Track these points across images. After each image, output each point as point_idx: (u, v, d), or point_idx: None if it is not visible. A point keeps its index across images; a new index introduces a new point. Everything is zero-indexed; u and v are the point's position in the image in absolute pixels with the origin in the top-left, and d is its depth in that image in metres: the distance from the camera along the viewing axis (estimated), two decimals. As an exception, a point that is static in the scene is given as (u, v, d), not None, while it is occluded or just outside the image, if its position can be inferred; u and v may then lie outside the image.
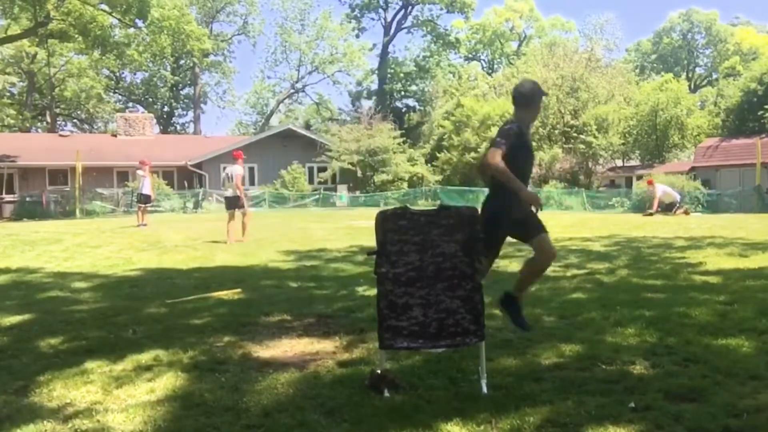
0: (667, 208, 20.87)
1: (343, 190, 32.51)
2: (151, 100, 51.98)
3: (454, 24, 54.48)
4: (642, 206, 24.05)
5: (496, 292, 5.87)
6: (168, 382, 3.50)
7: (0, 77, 39.65)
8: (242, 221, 12.13)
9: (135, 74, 50.51)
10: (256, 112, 57.71)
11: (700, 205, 23.12)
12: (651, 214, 20.25)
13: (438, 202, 27.20)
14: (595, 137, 32.27)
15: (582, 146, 32.74)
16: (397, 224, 3.34)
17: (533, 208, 3.92)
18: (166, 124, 53.32)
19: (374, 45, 54.01)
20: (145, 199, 16.88)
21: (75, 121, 49.73)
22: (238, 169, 12.33)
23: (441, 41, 52.77)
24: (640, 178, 28.67)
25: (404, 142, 35.80)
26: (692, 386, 3.23)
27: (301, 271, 7.91)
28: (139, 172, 17.05)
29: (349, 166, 32.27)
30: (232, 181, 12.15)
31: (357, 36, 53.40)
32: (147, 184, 16.86)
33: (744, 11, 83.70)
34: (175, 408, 3.11)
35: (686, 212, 20.67)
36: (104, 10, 27.45)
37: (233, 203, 12.18)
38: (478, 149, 32.34)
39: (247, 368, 3.75)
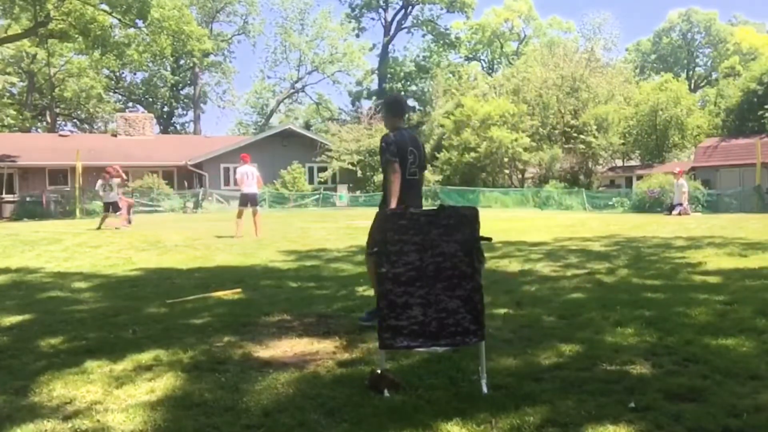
0: (672, 208, 20.89)
1: (343, 190, 32.52)
2: (151, 100, 52.04)
3: (453, 24, 54.53)
4: (642, 206, 24.06)
5: (496, 293, 5.89)
6: (168, 382, 3.50)
7: (0, 77, 39.65)
8: (255, 218, 12.89)
9: (135, 74, 50.66)
10: (256, 112, 57.83)
11: (700, 205, 23.11)
12: (687, 213, 20.21)
13: (438, 202, 27.21)
14: (595, 137, 32.28)
15: (582, 146, 32.75)
16: (397, 224, 3.34)
17: None
18: (166, 124, 53.38)
19: (374, 45, 54.13)
20: (113, 207, 16.27)
21: (75, 121, 49.77)
22: (254, 169, 13.37)
23: (441, 41, 52.77)
24: (639, 178, 28.68)
25: (404, 142, 35.76)
26: (692, 386, 3.23)
27: (301, 271, 7.91)
28: (115, 180, 16.49)
29: (349, 166, 32.28)
30: (251, 179, 13.10)
31: (357, 36, 53.55)
32: (113, 191, 16.37)
33: (743, 11, 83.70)
34: (175, 408, 3.11)
35: (685, 212, 20.66)
36: (104, 10, 27.45)
37: (256, 200, 13.21)
38: (478, 149, 32.37)
39: (247, 368, 3.75)
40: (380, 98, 48.56)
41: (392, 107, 4.95)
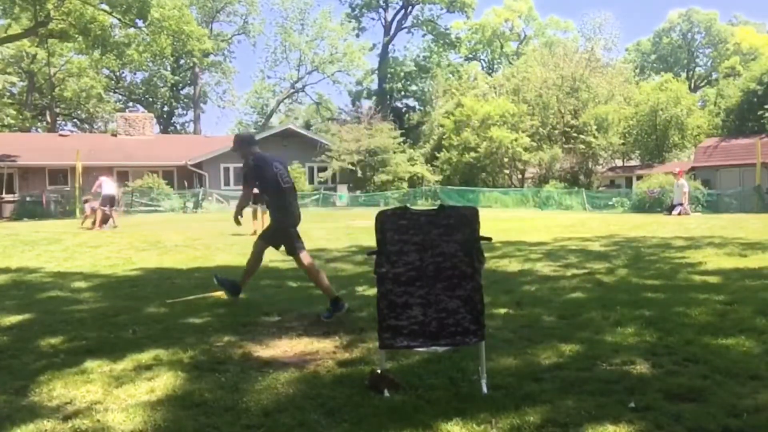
0: (672, 208, 20.88)
1: (343, 190, 32.51)
2: (151, 99, 51.99)
3: (453, 24, 54.49)
4: (642, 206, 24.06)
5: (496, 293, 5.89)
6: (168, 381, 3.50)
7: (0, 77, 39.63)
8: (262, 217, 13.04)
9: (135, 74, 50.60)
10: (256, 112, 57.78)
11: (700, 205, 23.11)
12: (687, 213, 20.20)
13: (438, 202, 27.20)
14: (595, 137, 32.28)
15: (582, 146, 32.75)
16: (397, 224, 3.34)
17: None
18: (166, 123, 53.34)
19: (374, 45, 54.03)
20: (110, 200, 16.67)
21: (75, 120, 49.72)
22: None
23: (441, 41, 52.72)
24: (639, 178, 28.67)
25: (404, 142, 35.80)
26: (692, 386, 3.23)
27: (300, 271, 7.89)
28: (103, 178, 16.87)
29: (349, 166, 32.27)
30: None
31: (357, 36, 53.42)
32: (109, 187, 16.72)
33: (743, 11, 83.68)
34: (175, 408, 3.11)
35: (685, 212, 20.66)
36: (104, 10, 27.43)
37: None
38: (478, 149, 32.38)
39: (247, 368, 3.75)
40: (380, 98, 48.56)
41: (247, 142, 5.81)
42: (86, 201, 17.38)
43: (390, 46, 52.03)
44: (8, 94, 42.68)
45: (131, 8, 26.73)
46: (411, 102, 52.27)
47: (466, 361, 3.68)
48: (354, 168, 32.56)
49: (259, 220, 13.22)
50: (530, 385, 3.30)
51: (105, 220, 16.21)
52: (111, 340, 4.46)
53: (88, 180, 27.87)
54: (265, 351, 4.14)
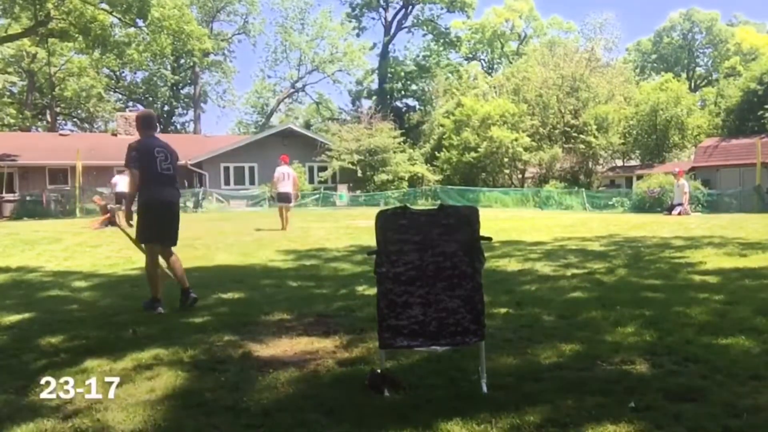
0: (672, 207, 20.88)
1: (343, 190, 32.50)
2: (151, 99, 51.98)
3: (453, 24, 54.44)
4: (642, 205, 24.06)
5: (496, 292, 5.89)
6: (168, 381, 3.50)
7: (0, 77, 39.61)
8: (286, 214, 14.08)
9: (135, 73, 50.60)
10: (257, 111, 57.77)
11: (700, 205, 23.09)
12: (687, 213, 20.22)
13: (438, 201, 27.18)
14: (595, 137, 32.25)
15: (582, 146, 32.72)
16: (397, 224, 3.34)
17: None
18: (166, 123, 53.32)
19: (374, 44, 54.01)
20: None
21: (75, 120, 49.72)
22: (291, 170, 14.64)
23: (441, 41, 52.70)
24: (640, 177, 28.66)
25: (404, 142, 35.77)
26: (692, 386, 3.23)
27: (300, 270, 7.91)
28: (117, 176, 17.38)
29: (350, 166, 32.26)
30: (287, 179, 14.35)
31: (357, 35, 53.39)
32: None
33: (744, 10, 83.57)
34: (175, 407, 3.11)
35: (685, 212, 20.66)
36: (104, 10, 27.44)
37: (288, 198, 14.30)
38: (478, 149, 32.37)
39: (247, 367, 3.75)
40: (380, 98, 48.56)
41: (141, 121, 6.17)
42: (105, 205, 17.63)
43: (390, 46, 52.00)
44: (8, 93, 42.67)
45: (131, 8, 26.73)
46: (411, 102, 52.21)
47: (466, 361, 3.68)
48: (354, 168, 32.54)
49: (285, 217, 13.96)
50: (530, 385, 3.31)
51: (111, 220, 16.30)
52: (111, 339, 4.46)
53: (88, 179, 27.92)
54: (265, 350, 4.14)
